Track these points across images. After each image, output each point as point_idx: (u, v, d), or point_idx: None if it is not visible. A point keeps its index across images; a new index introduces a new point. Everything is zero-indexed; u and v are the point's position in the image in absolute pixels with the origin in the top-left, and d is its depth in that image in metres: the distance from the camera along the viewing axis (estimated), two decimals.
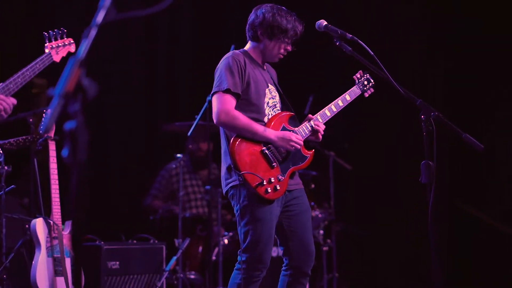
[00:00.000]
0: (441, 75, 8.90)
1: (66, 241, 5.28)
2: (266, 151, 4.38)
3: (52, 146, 5.37)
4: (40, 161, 5.63)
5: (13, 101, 4.59)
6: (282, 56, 4.63)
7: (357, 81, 4.82)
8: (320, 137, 4.59)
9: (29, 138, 5.46)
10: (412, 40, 8.91)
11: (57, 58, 4.95)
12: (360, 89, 4.79)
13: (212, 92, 4.44)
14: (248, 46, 4.66)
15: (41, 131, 5.34)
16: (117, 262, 5.96)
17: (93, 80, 2.27)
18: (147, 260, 6.24)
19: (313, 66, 8.36)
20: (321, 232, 7.44)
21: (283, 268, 4.55)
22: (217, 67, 4.52)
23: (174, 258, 6.29)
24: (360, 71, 4.83)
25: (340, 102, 4.68)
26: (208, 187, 6.69)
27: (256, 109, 4.47)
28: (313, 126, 4.54)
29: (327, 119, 4.62)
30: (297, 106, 7.50)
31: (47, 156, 5.36)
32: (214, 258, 6.78)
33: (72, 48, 5.02)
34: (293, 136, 4.41)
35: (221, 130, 4.52)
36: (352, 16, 8.67)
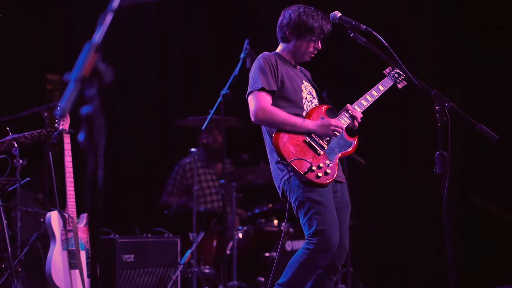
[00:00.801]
0: (456, 67, 8.88)
1: (81, 234, 5.30)
2: (309, 140, 4.42)
3: (66, 139, 5.38)
4: (55, 155, 5.65)
5: None
6: (313, 55, 4.71)
7: (387, 74, 4.85)
8: (357, 124, 4.62)
9: (43, 131, 5.48)
10: (426, 33, 8.90)
11: None
12: (392, 80, 4.81)
13: (247, 93, 4.50)
14: (279, 48, 4.74)
15: (57, 115, 5.35)
16: (132, 256, 5.98)
17: (109, 66, 2.28)
18: (162, 253, 6.25)
19: (328, 59, 8.34)
20: None
21: None
22: (251, 68, 4.61)
23: (189, 251, 6.31)
24: (390, 67, 4.85)
25: (374, 92, 4.73)
26: (222, 181, 6.70)
27: (295, 104, 4.54)
28: (351, 113, 4.58)
29: (363, 109, 4.66)
30: None
31: (62, 149, 5.38)
32: (228, 252, 6.78)
33: None
34: (332, 121, 4.46)
35: (264, 130, 4.58)
36: (365, 9, 8.67)
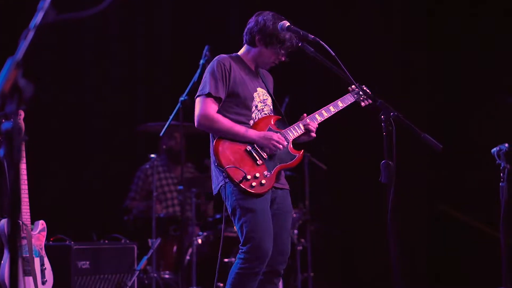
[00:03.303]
0: (423, 76, 8.98)
1: (35, 241, 5.30)
2: (250, 149, 4.45)
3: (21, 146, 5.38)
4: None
5: None
6: (274, 65, 4.72)
7: (351, 90, 4.83)
8: (313, 135, 4.65)
9: None
10: (388, 39, 8.99)
11: None
12: (355, 97, 4.80)
13: (196, 96, 4.52)
14: (242, 51, 4.73)
15: None
16: (87, 262, 5.96)
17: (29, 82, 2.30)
18: (118, 260, 6.23)
19: (289, 67, 8.37)
20: (296, 231, 7.47)
21: None
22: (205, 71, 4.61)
23: (145, 257, 6.32)
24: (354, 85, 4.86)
25: (331, 108, 4.75)
26: (180, 187, 6.71)
27: (242, 111, 4.55)
28: (306, 125, 4.62)
29: (317, 123, 4.68)
30: None
31: None
32: (188, 258, 6.80)
33: None
34: (275, 136, 4.48)
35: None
36: (334, 18, 8.75)
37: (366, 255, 8.65)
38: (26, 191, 5.32)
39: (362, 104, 4.84)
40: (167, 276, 6.94)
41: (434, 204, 8.90)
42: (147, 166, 7.56)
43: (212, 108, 4.44)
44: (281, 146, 4.48)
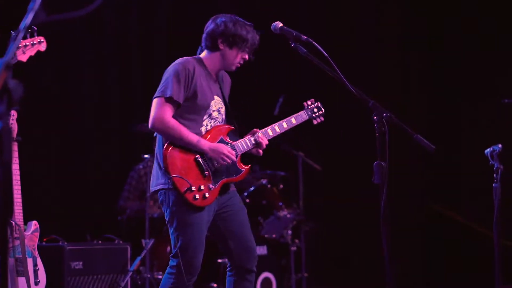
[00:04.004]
0: (423, 76, 9.00)
1: (28, 242, 5.29)
2: (199, 159, 4.43)
3: (14, 147, 5.37)
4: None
5: None
6: (239, 65, 4.69)
7: (306, 106, 4.90)
8: (261, 152, 4.67)
9: None
10: (386, 40, 9.00)
11: (23, 58, 4.85)
12: (308, 115, 4.88)
13: (155, 95, 4.47)
14: (204, 54, 4.68)
15: None
16: (81, 262, 5.96)
17: (21, 83, 2.29)
18: (111, 260, 6.23)
19: (284, 67, 8.38)
20: (289, 232, 7.47)
21: (228, 269, 4.65)
22: (167, 69, 4.55)
23: (138, 258, 6.31)
24: (312, 99, 4.92)
25: (284, 124, 4.77)
26: None
27: (195, 118, 4.51)
28: (257, 139, 4.62)
29: (269, 138, 4.69)
30: (267, 107, 7.59)
31: None
32: None
33: (43, 47, 4.88)
34: (225, 150, 4.46)
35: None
36: (333, 18, 8.77)
37: (361, 255, 8.65)
38: (19, 192, 5.31)
39: (314, 122, 4.92)
40: (160, 276, 6.92)
41: (429, 205, 8.91)
42: (141, 166, 7.56)
43: (170, 113, 4.39)
44: (229, 160, 4.48)
